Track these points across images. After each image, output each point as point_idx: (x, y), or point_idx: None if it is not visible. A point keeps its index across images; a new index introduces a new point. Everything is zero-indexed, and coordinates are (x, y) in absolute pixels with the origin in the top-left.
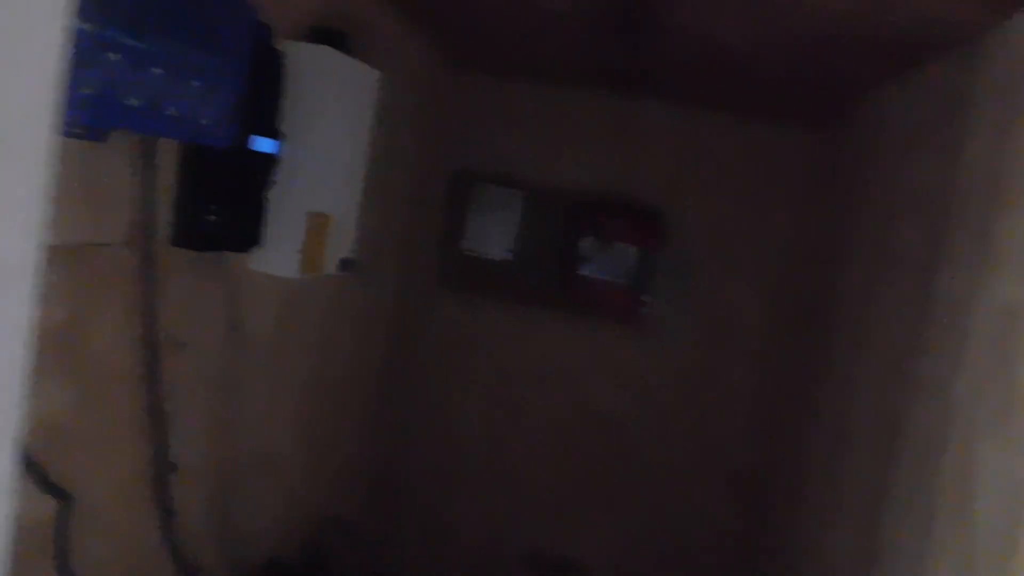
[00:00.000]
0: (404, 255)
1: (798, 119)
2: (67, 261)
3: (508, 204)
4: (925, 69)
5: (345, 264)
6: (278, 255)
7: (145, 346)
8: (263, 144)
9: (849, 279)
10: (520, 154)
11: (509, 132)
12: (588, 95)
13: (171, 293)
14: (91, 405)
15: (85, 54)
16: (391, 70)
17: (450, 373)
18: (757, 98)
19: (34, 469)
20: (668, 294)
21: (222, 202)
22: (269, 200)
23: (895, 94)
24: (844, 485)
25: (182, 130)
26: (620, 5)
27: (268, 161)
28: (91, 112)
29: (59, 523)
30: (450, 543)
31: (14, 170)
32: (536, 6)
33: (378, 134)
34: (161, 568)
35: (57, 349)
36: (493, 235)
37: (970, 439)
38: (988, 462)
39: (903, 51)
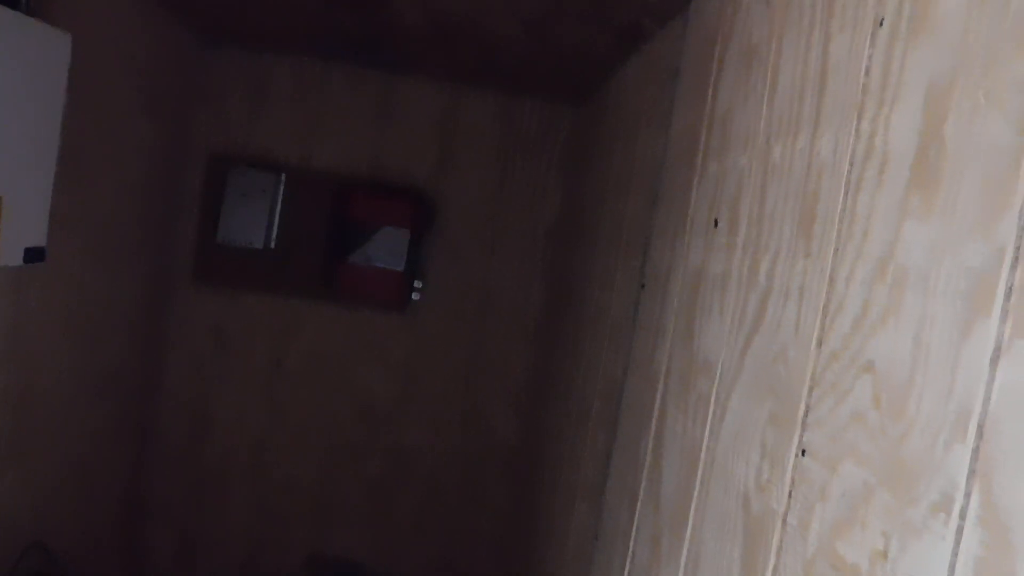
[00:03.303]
0: (149, 247)
1: (557, 95)
2: None
3: (268, 189)
4: (652, 44)
5: (31, 254)
6: None
7: None
8: None
9: (589, 255)
10: (280, 136)
11: (267, 112)
12: (346, 72)
13: None
14: None
15: None
16: (103, 40)
17: (207, 374)
18: (514, 73)
19: None
20: (437, 276)
21: None
22: None
23: (632, 68)
24: (584, 461)
25: None
26: None
27: None
28: None
29: None
30: (211, 560)
31: None
32: None
33: (85, 110)
34: None
35: None
36: (252, 223)
37: (664, 405)
38: (675, 426)
39: (628, 24)
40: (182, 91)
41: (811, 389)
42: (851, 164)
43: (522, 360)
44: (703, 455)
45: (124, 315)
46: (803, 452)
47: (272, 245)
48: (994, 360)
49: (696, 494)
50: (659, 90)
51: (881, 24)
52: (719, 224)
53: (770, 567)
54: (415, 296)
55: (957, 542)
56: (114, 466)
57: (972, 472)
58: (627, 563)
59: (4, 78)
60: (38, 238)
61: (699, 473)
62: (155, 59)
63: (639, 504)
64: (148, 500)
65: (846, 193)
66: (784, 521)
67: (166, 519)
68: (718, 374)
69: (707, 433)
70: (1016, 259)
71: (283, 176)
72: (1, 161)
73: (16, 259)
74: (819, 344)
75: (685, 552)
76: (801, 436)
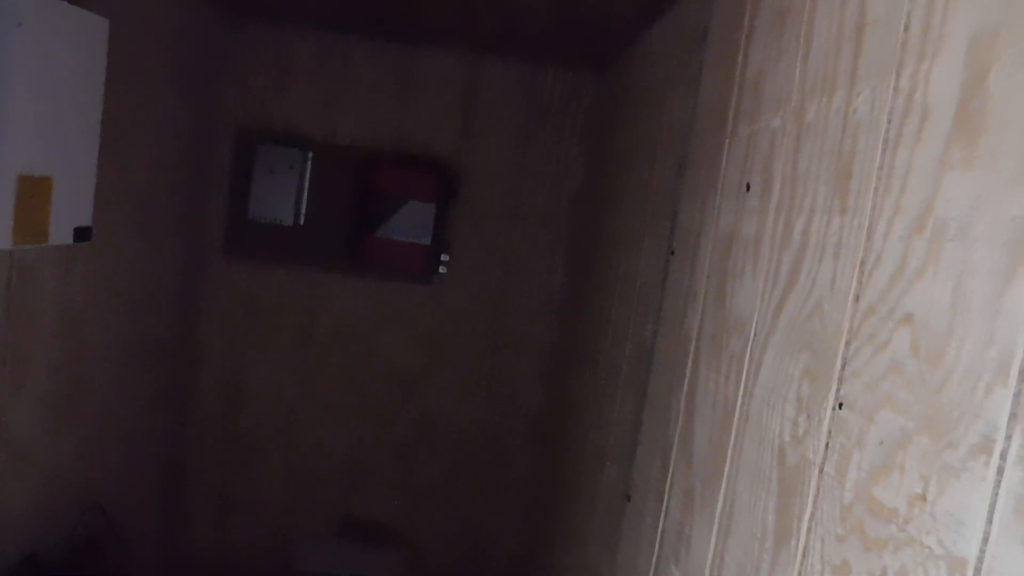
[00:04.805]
0: (183, 222)
1: (580, 63)
2: None
3: (295, 166)
4: (678, 7)
5: (80, 233)
6: None
7: None
8: None
9: (615, 222)
10: (304, 110)
11: (291, 87)
12: (367, 45)
13: None
14: None
15: None
16: (136, 20)
17: (240, 344)
18: (536, 41)
19: None
20: (461, 247)
21: None
22: None
23: (658, 33)
24: (612, 424)
25: None
26: None
27: None
28: None
29: None
30: (247, 523)
31: None
32: None
33: (124, 90)
34: None
35: None
36: (282, 200)
37: (696, 366)
38: (707, 385)
39: None
40: (209, 68)
41: (848, 343)
42: (889, 120)
43: (546, 328)
44: (737, 411)
45: (163, 288)
46: (840, 404)
47: (301, 222)
48: None
49: (730, 449)
50: (686, 54)
51: None
52: (751, 187)
53: (807, 514)
54: (441, 269)
55: (998, 482)
56: (156, 433)
57: (1013, 415)
58: (660, 520)
59: (50, 64)
60: (85, 217)
61: (733, 429)
62: (183, 36)
63: (672, 463)
64: (187, 466)
65: (883, 149)
66: (821, 471)
67: (204, 484)
68: (752, 333)
69: (741, 390)
70: None
71: (310, 153)
72: (50, 143)
73: (66, 238)
74: (856, 299)
75: (720, 505)
76: (838, 389)
